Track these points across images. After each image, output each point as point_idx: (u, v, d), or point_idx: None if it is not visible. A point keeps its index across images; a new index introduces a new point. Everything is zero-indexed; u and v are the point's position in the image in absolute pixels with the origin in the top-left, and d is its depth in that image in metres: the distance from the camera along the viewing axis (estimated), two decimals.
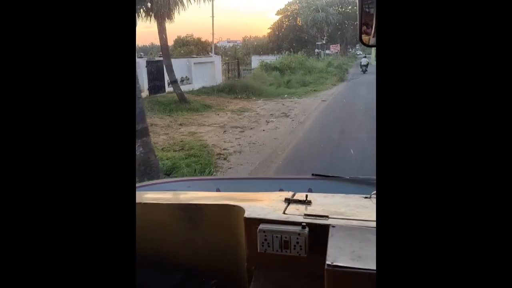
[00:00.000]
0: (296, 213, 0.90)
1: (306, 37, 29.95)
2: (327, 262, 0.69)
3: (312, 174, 1.35)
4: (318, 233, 0.82)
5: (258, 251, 0.85)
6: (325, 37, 29.00)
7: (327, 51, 28.67)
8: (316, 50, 27.89)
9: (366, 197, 1.01)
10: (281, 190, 1.11)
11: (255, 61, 19.77)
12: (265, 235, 0.85)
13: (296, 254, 0.83)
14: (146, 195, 1.20)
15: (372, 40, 0.78)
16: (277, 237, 0.85)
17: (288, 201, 0.97)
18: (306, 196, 0.97)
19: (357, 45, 32.95)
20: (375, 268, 0.49)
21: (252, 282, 0.85)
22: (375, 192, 0.97)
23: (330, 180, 1.32)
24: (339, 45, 29.27)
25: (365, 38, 0.81)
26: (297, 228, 0.83)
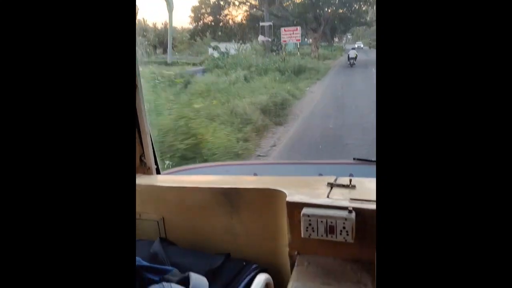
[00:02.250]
0: (341, 197, 0.87)
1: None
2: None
3: (354, 159, 1.33)
4: (366, 218, 0.80)
5: (302, 236, 0.84)
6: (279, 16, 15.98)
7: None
8: (261, 39, 15.91)
9: None
10: (320, 175, 1.09)
11: None
12: (310, 220, 0.83)
13: (343, 240, 0.81)
14: (185, 179, 1.20)
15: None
16: (322, 221, 0.83)
17: (331, 185, 0.94)
18: (350, 180, 0.95)
19: (349, 33, 27.72)
20: None
21: (295, 267, 0.84)
22: None
23: (372, 164, 1.29)
24: (299, 28, 15.61)
25: None
26: (343, 213, 0.81)
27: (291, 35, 14.95)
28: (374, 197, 0.82)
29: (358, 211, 0.81)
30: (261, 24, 16.64)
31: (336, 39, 33.10)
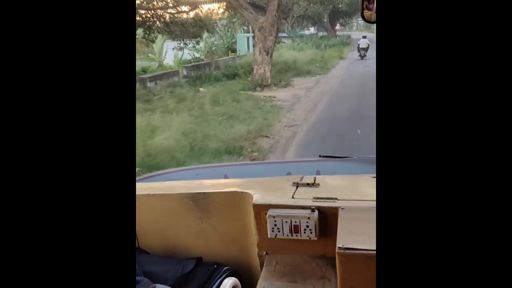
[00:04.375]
0: (305, 196, 0.91)
1: None
2: (338, 245, 0.70)
3: (320, 156, 1.36)
4: (328, 216, 0.84)
5: (269, 236, 0.87)
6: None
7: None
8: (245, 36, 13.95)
9: (374, 177, 1.02)
10: (289, 173, 1.12)
11: None
12: (275, 221, 0.86)
13: (307, 238, 0.85)
14: (155, 185, 1.22)
15: (375, 16, 0.73)
16: (286, 222, 0.87)
17: (297, 184, 0.98)
18: (314, 178, 0.99)
19: (358, 19, 24.22)
20: None
21: (264, 267, 0.88)
22: None
23: (338, 160, 1.33)
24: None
25: (367, 14, 0.79)
26: (306, 212, 0.85)
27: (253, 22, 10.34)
28: (335, 195, 0.88)
29: (320, 209, 0.85)
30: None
31: (338, 27, 28.26)
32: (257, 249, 0.92)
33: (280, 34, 17.88)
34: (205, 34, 12.99)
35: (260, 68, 9.45)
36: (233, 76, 10.62)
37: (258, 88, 8.82)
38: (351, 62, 14.82)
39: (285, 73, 11.12)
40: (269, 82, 9.36)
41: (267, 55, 9.35)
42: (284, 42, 20.53)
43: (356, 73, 11.50)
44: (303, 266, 0.88)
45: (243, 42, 15.33)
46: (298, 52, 15.90)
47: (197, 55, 13.59)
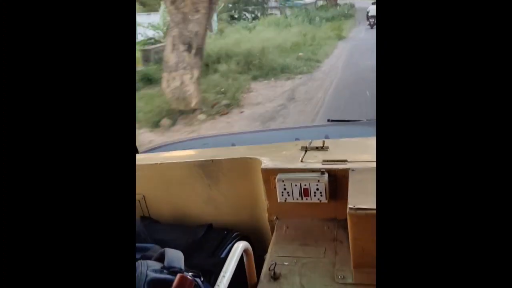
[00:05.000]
0: (314, 160, 1.04)
1: None
2: (349, 206, 0.78)
3: (328, 120, 1.45)
4: (338, 178, 0.95)
5: (278, 201, 0.99)
6: None
7: None
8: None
9: None
10: (297, 139, 1.25)
11: None
12: (284, 185, 0.97)
13: (317, 201, 0.96)
14: (164, 155, 1.36)
15: None
16: (296, 185, 0.96)
17: (305, 149, 1.11)
18: (323, 142, 1.11)
19: None
20: None
21: (275, 231, 1.01)
22: None
23: (346, 124, 1.41)
24: None
25: None
26: (316, 175, 0.96)
27: None
28: (345, 157, 1.00)
29: (330, 172, 0.96)
30: None
31: None
32: (267, 214, 1.05)
33: (270, 4, 15.26)
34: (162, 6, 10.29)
35: (176, 79, 5.30)
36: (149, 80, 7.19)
37: (164, 121, 5.09)
38: (355, 45, 10.87)
39: (240, 75, 7.43)
40: (192, 105, 5.37)
41: (191, 51, 5.29)
42: (273, 14, 16.86)
43: (361, 70, 7.21)
44: (314, 229, 0.99)
45: None
46: (280, 31, 12.27)
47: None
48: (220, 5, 12.46)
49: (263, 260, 0.91)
